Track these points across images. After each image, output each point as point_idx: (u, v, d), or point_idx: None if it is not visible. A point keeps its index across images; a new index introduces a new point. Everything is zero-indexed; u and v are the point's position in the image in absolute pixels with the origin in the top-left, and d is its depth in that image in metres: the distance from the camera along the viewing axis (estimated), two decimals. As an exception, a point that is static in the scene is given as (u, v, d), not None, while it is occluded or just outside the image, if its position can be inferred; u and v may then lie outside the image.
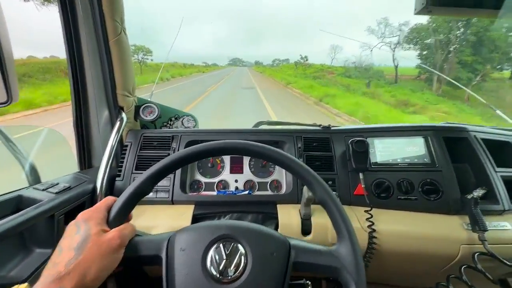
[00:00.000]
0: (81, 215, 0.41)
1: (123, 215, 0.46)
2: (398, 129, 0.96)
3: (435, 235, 0.77)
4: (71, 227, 0.39)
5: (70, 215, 0.68)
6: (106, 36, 0.84)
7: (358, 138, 0.88)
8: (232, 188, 0.96)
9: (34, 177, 0.76)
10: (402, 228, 0.79)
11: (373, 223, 0.78)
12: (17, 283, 0.34)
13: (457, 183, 0.84)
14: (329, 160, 0.92)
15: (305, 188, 0.78)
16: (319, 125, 1.04)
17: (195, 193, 0.93)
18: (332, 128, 1.01)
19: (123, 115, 0.92)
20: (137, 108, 1.03)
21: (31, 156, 0.79)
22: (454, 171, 0.85)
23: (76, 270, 0.33)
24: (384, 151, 0.92)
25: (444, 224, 0.79)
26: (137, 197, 0.47)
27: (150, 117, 1.04)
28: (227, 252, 0.43)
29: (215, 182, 0.97)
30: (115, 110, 0.91)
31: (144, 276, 0.85)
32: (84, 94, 0.85)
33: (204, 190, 0.96)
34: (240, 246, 0.44)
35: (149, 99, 1.11)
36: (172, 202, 0.85)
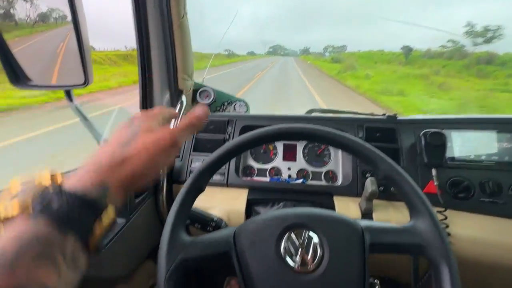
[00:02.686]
0: (139, 113, 0.36)
1: (199, 189, 0.47)
2: (482, 121, 0.82)
3: (530, 247, 0.65)
4: (124, 122, 0.35)
5: (139, 192, 0.73)
6: (170, 20, 0.86)
7: (433, 130, 0.78)
8: (285, 175, 0.94)
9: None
10: (485, 235, 0.68)
11: (447, 226, 0.69)
12: None
13: None
14: (395, 153, 0.83)
15: (369, 180, 0.72)
16: (383, 114, 0.94)
17: (248, 178, 0.93)
18: (398, 117, 0.91)
19: (183, 98, 0.95)
20: (194, 92, 1.06)
21: (105, 133, 0.86)
22: None
23: (125, 165, 0.29)
24: (464, 145, 0.80)
25: (542, 235, 0.66)
26: (213, 170, 0.48)
27: (206, 101, 1.05)
28: (301, 241, 0.41)
29: (267, 169, 0.96)
30: (176, 93, 0.94)
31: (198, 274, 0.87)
32: (150, 77, 0.89)
33: (257, 176, 0.95)
34: (312, 234, 0.41)
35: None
36: (227, 185, 0.87)
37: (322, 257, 0.39)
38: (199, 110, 0.37)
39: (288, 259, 0.39)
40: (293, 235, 0.41)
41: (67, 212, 0.25)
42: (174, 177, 0.89)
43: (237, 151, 0.48)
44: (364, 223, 0.43)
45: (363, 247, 0.40)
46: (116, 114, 0.94)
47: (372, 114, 1.02)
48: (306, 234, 0.41)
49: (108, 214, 0.28)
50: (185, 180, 0.90)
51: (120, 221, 0.65)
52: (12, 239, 0.22)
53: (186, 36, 0.91)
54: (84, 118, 0.87)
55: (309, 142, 0.96)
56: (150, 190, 0.80)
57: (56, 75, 0.88)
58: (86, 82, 0.81)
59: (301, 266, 0.39)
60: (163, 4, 0.83)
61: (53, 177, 0.27)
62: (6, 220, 0.24)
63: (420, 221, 0.42)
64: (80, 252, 0.26)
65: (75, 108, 0.87)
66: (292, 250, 0.40)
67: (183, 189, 0.45)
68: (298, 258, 0.39)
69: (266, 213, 0.45)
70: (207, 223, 0.60)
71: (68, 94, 0.84)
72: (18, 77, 0.76)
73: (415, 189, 0.43)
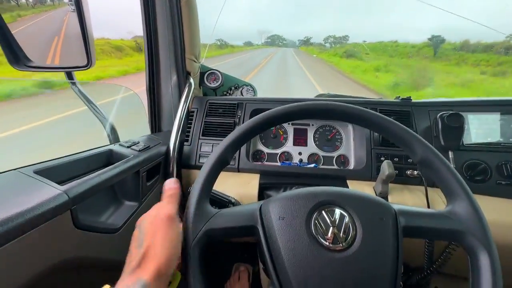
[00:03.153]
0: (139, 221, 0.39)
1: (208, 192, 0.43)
2: (499, 103, 0.81)
3: (549, 228, 0.65)
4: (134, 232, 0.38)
5: (150, 173, 0.71)
6: (178, -3, 0.82)
7: (451, 112, 0.76)
8: (296, 160, 0.92)
9: (114, 135, 0.80)
10: (505, 218, 0.68)
11: (464, 209, 0.69)
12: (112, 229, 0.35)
13: None
14: None
15: (385, 163, 0.71)
16: (397, 97, 0.92)
17: (259, 163, 0.91)
18: (413, 100, 0.89)
19: (191, 80, 0.91)
20: (201, 75, 1.02)
21: (111, 118, 0.83)
22: None
23: (146, 259, 0.33)
24: (481, 128, 0.78)
25: (560, 216, 0.66)
26: (221, 167, 0.44)
27: (213, 84, 1.02)
28: (332, 219, 0.39)
29: (278, 154, 0.94)
30: (183, 75, 0.91)
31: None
32: (157, 57, 0.85)
33: (267, 161, 0.93)
34: (344, 212, 0.40)
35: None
36: (238, 170, 0.85)
37: (354, 236, 0.38)
38: (169, 183, 0.42)
39: (318, 236, 0.38)
40: (324, 213, 0.39)
41: None
42: (183, 161, 0.86)
43: (266, 125, 0.45)
44: (398, 206, 0.41)
45: (396, 229, 0.39)
46: (121, 97, 0.90)
47: (380, 99, 1.00)
48: (338, 212, 0.39)
49: None
50: (195, 164, 0.88)
51: (133, 204, 0.63)
52: None
53: (194, 14, 0.87)
54: (87, 101, 0.84)
55: (337, 121, 0.93)
56: (161, 174, 0.78)
57: (58, 56, 0.84)
58: (89, 64, 0.78)
59: (332, 244, 0.37)
60: (170, -21, 0.79)
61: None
62: None
63: (459, 206, 0.40)
64: None
65: (78, 90, 0.84)
66: (324, 227, 0.38)
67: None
68: (330, 235, 0.37)
69: (294, 190, 0.43)
70: (225, 203, 0.58)
71: (70, 76, 0.80)
72: (18, 57, 0.72)
73: (454, 173, 0.41)
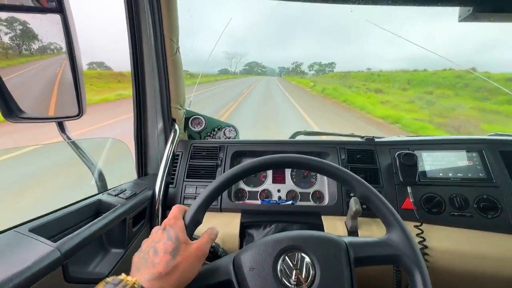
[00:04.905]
0: (168, 222, 0.46)
1: (197, 222, 0.50)
2: (448, 142, 0.93)
3: (495, 255, 0.73)
4: (160, 231, 0.44)
5: (136, 219, 0.75)
6: (164, 54, 0.93)
7: (406, 151, 0.87)
8: (275, 197, 0.99)
9: (102, 183, 0.85)
10: (457, 246, 0.76)
11: (424, 239, 0.77)
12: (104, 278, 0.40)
13: None
14: (374, 173, 0.91)
15: (352, 200, 0.79)
16: (362, 137, 1.04)
17: (240, 202, 0.97)
18: (376, 139, 1.00)
19: (176, 126, 0.99)
20: (186, 120, 1.11)
21: (100, 164, 0.88)
22: None
23: (174, 273, 0.38)
24: (433, 164, 0.89)
25: (504, 244, 0.75)
26: (208, 204, 0.51)
27: (197, 128, 1.11)
28: (294, 263, 0.46)
29: (258, 191, 1.00)
30: (169, 121, 0.99)
31: None
32: (144, 107, 0.93)
33: (248, 199, 0.99)
34: (304, 254, 0.47)
35: (193, 111, 1.19)
36: (221, 209, 0.90)
37: (314, 275, 0.44)
38: (212, 230, 0.51)
39: (284, 280, 0.44)
40: (287, 258, 0.46)
41: None
42: (169, 203, 0.91)
43: (227, 185, 0.53)
44: (348, 239, 0.49)
45: (349, 262, 0.46)
46: (109, 145, 0.96)
47: (352, 135, 1.11)
48: (299, 255, 0.46)
49: None
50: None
51: (119, 251, 0.67)
52: None
53: (178, 69, 0.98)
54: (79, 151, 0.89)
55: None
56: (146, 218, 0.82)
57: (52, 107, 0.87)
58: (80, 113, 0.82)
59: (297, 285, 0.43)
60: (158, 41, 0.90)
61: (134, 280, 0.37)
62: None
63: (394, 234, 0.48)
64: None
65: (68, 142, 0.89)
66: (288, 271, 0.45)
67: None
68: (293, 278, 0.44)
69: (261, 239, 0.50)
70: None
71: (61, 126, 0.85)
72: (11, 110, 0.76)
73: (387, 206, 0.50)
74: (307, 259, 0.46)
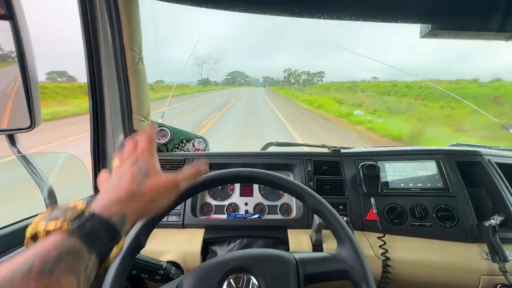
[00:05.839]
0: (139, 153, 0.42)
1: (139, 246, 0.46)
2: (408, 153, 0.96)
3: (453, 264, 0.74)
4: (128, 160, 0.41)
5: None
6: (125, 65, 0.89)
7: (368, 162, 0.88)
8: (242, 211, 0.96)
9: (51, 200, 0.79)
10: (418, 256, 0.76)
11: (386, 251, 0.77)
12: None
13: (474, 209, 0.82)
14: (340, 184, 0.91)
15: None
16: (330, 148, 1.04)
17: (205, 217, 0.93)
18: (342, 151, 1.01)
19: (138, 139, 0.95)
20: (150, 132, 1.07)
21: (50, 180, 0.82)
22: (470, 197, 0.83)
23: (137, 201, 0.36)
24: (395, 175, 0.91)
25: (462, 252, 0.76)
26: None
27: (163, 140, 1.07)
28: (239, 285, 0.43)
29: (225, 205, 0.97)
30: (130, 134, 0.95)
31: None
32: (102, 120, 0.88)
33: (214, 213, 0.96)
34: (250, 276, 0.44)
35: (161, 122, 1.15)
36: (183, 226, 0.86)
37: None
38: (200, 165, 0.47)
39: None
40: (232, 281, 0.43)
41: (96, 233, 0.30)
42: None
43: (171, 207, 0.50)
44: (299, 255, 0.48)
45: (298, 280, 0.44)
46: (62, 161, 0.90)
47: (323, 146, 1.12)
48: (245, 277, 0.44)
49: (122, 240, 0.34)
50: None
51: None
52: (53, 247, 0.27)
53: (141, 79, 0.94)
54: (29, 167, 0.82)
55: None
56: None
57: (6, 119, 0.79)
58: (32, 126, 0.76)
59: None
60: (117, 51, 0.87)
61: (86, 203, 0.33)
62: (46, 232, 0.29)
63: (344, 248, 0.47)
64: (95, 269, 0.30)
65: (18, 156, 0.82)
66: None
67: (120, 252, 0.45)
68: None
69: (207, 261, 0.47)
70: (155, 271, 0.58)
71: (11, 139, 0.79)
72: None
73: (338, 219, 0.49)
74: (253, 280, 0.43)
